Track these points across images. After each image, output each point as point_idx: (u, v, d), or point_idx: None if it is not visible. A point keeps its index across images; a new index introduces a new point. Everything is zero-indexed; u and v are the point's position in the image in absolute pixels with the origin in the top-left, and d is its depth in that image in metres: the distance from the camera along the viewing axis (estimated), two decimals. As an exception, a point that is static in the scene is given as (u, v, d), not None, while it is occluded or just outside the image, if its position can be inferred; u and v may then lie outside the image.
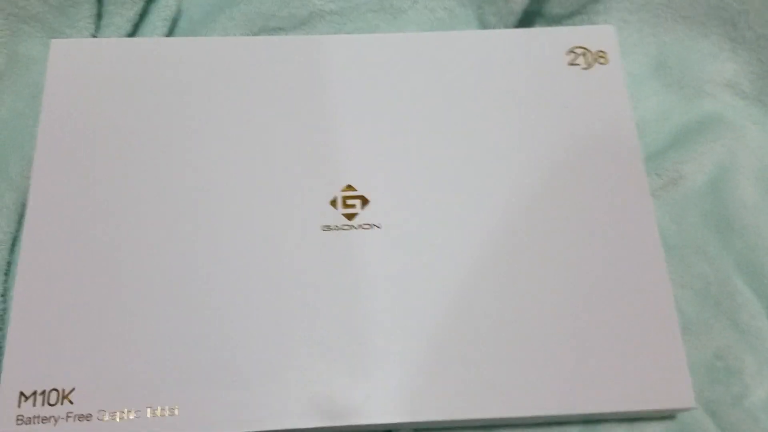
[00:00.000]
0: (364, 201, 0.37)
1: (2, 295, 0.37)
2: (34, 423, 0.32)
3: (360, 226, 0.36)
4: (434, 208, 0.36)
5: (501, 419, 0.33)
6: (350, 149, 0.38)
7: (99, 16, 0.43)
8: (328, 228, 0.36)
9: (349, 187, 0.37)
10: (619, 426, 0.36)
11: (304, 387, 0.32)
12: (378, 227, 0.36)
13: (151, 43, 0.41)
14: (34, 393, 0.32)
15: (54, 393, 0.32)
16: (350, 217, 0.36)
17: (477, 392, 0.33)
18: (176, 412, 0.32)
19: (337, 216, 0.36)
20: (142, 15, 0.44)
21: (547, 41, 0.41)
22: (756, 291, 0.40)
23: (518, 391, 0.33)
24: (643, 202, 0.37)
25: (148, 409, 0.32)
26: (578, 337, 0.34)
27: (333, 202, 0.36)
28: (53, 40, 0.40)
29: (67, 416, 0.32)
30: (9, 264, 0.38)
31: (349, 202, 0.37)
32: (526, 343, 0.34)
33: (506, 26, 0.44)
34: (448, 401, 0.33)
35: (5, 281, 0.37)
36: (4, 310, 0.36)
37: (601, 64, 0.40)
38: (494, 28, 0.44)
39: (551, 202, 0.37)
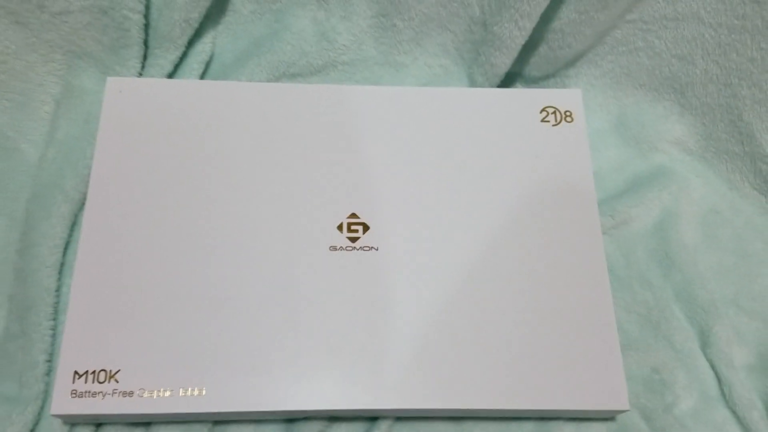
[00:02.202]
0: (366, 227, 0.43)
1: (56, 291, 0.43)
2: (85, 396, 0.37)
3: (361, 248, 0.42)
4: (422, 235, 0.43)
5: (469, 410, 0.40)
6: (355, 184, 0.44)
7: (145, 56, 0.49)
8: (334, 248, 0.42)
9: (353, 215, 0.43)
10: (568, 424, 0.42)
11: (311, 376, 0.39)
12: (376, 249, 0.42)
13: (189, 85, 0.47)
14: (86, 372, 0.38)
15: (103, 373, 0.38)
16: (353, 240, 0.43)
17: (452, 387, 0.39)
18: (204, 392, 0.38)
19: (342, 239, 0.42)
20: (182, 57, 0.50)
21: (524, 100, 0.47)
22: (690, 318, 0.46)
23: (485, 389, 0.39)
24: (595, 239, 0.43)
25: (181, 389, 0.38)
26: (535, 347, 0.40)
27: (339, 227, 0.43)
28: (109, 78, 0.46)
29: (113, 392, 0.38)
30: (62, 264, 0.44)
31: (353, 227, 0.43)
32: (492, 350, 0.40)
33: (491, 85, 0.50)
34: (430, 392, 0.39)
35: (59, 279, 0.43)
36: (58, 303, 0.43)
37: (568, 122, 0.47)
38: (481, 85, 0.51)
39: (519, 235, 0.43)
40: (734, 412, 0.44)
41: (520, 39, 0.47)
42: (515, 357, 0.40)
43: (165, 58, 0.49)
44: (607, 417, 0.43)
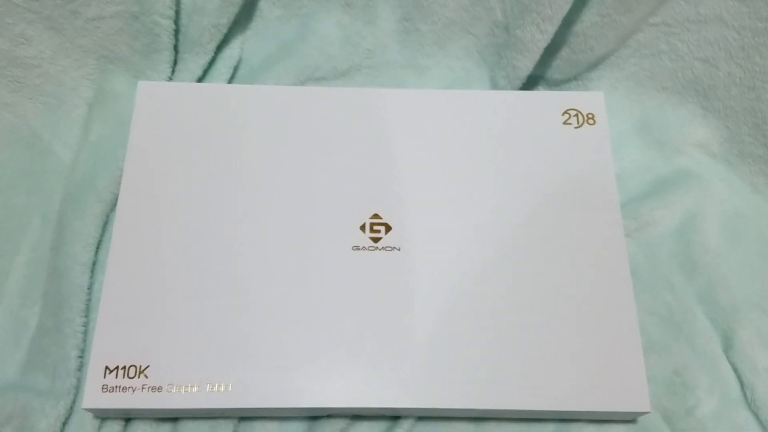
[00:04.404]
0: (388, 228, 0.44)
1: (89, 288, 0.44)
2: (116, 391, 0.39)
3: (383, 248, 0.43)
4: (444, 236, 0.43)
5: (490, 411, 0.40)
6: (378, 185, 0.45)
7: (175, 61, 0.51)
8: (357, 248, 0.43)
9: (376, 216, 0.44)
10: (589, 426, 0.42)
11: (334, 374, 0.39)
12: (398, 249, 0.43)
13: (218, 89, 0.48)
14: (117, 367, 0.39)
15: (133, 368, 0.39)
16: (376, 240, 0.43)
17: (473, 387, 0.39)
18: (230, 388, 0.39)
19: (365, 239, 0.43)
20: (211, 62, 0.51)
21: (546, 103, 0.48)
22: (712, 320, 0.46)
23: (506, 389, 0.40)
24: (618, 241, 0.44)
25: (208, 385, 0.39)
26: (557, 348, 0.41)
27: (362, 228, 0.44)
28: (140, 82, 0.47)
29: (143, 387, 0.39)
30: (94, 263, 0.45)
31: (376, 228, 0.44)
32: (514, 351, 0.40)
33: (513, 87, 0.51)
34: (451, 392, 0.39)
35: (91, 276, 0.45)
36: (90, 300, 0.44)
37: (590, 124, 0.47)
38: (503, 88, 0.51)
39: (542, 237, 0.44)
40: (756, 416, 0.43)
41: (542, 42, 0.48)
42: (537, 358, 0.41)
43: (195, 63, 0.50)
44: (629, 419, 0.43)
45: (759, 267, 0.48)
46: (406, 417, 0.42)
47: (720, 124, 0.51)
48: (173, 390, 0.39)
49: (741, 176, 0.51)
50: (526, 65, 0.49)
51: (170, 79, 0.51)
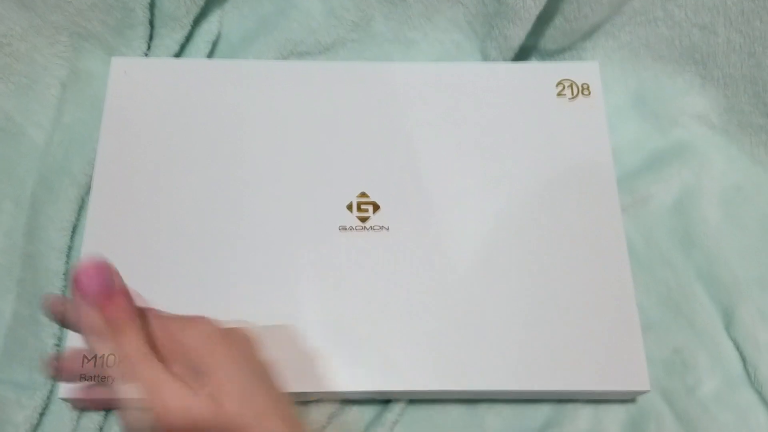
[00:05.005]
0: (376, 207, 0.42)
1: (65, 274, 0.42)
2: (94, 380, 0.37)
3: (371, 227, 0.42)
4: (434, 214, 0.42)
5: (484, 392, 0.39)
6: (365, 162, 0.43)
7: (151, 37, 0.49)
8: (344, 228, 0.42)
9: (363, 194, 0.43)
10: (586, 406, 0.41)
11: (322, 358, 0.38)
12: (386, 229, 0.42)
13: (196, 64, 0.47)
14: (95, 356, 0.38)
15: (111, 357, 0.38)
16: (363, 219, 0.42)
17: (466, 368, 0.38)
18: None
19: (352, 218, 0.42)
20: (188, 37, 0.49)
21: (539, 74, 0.46)
22: (712, 298, 0.45)
23: (501, 370, 0.38)
24: (614, 217, 0.42)
25: None
26: (552, 327, 0.40)
27: (349, 207, 0.42)
28: (113, 58, 0.45)
29: None
30: (70, 248, 0.44)
31: (363, 207, 0.42)
32: (508, 331, 0.39)
33: (505, 59, 0.49)
34: (443, 374, 0.38)
35: (66, 262, 0.43)
36: (66, 286, 0.43)
37: (585, 95, 0.46)
38: (495, 60, 0.49)
39: (536, 213, 0.42)
40: (760, 394, 0.42)
41: (534, 9, 0.46)
42: (532, 338, 0.39)
43: (171, 38, 0.49)
44: (627, 398, 0.42)
45: (759, 242, 0.47)
46: (397, 400, 0.40)
47: (719, 94, 0.49)
48: (154, 378, 0.37)
49: (741, 147, 0.50)
50: (518, 35, 0.47)
51: (146, 56, 0.49)
